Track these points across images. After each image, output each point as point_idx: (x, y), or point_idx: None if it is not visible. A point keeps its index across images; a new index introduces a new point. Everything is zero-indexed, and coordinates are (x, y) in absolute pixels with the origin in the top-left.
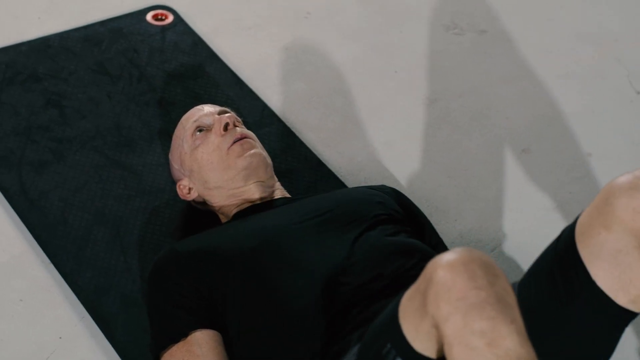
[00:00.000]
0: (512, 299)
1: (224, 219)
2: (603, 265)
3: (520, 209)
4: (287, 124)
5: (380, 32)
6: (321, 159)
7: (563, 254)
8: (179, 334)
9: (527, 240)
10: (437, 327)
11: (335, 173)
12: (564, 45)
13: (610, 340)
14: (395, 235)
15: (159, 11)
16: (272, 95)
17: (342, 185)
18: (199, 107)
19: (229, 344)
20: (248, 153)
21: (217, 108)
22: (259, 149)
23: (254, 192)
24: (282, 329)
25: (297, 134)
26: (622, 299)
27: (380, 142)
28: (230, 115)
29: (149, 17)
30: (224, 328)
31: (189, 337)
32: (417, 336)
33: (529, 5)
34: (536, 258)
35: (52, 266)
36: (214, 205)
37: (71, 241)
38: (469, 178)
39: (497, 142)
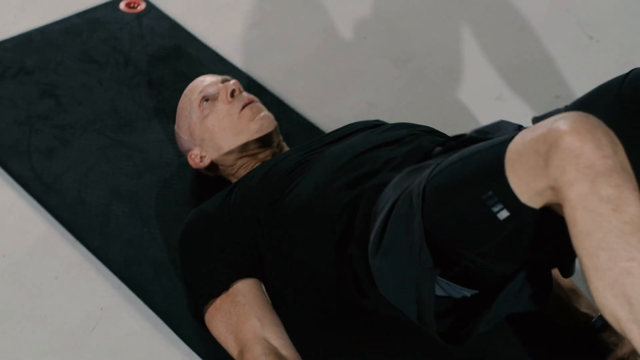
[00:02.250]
0: (630, 168)
1: (235, 180)
2: None
3: None
4: (274, 93)
5: (343, 2)
6: (313, 122)
7: (629, 104)
8: (221, 288)
9: None
10: (555, 189)
11: None
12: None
13: None
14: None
15: None
16: (253, 68)
17: None
18: (201, 78)
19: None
20: (259, 116)
21: (219, 77)
22: (267, 112)
23: (267, 153)
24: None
25: (285, 101)
26: None
27: (364, 102)
28: (235, 82)
29: (122, 5)
30: (263, 273)
31: (231, 289)
32: (526, 191)
33: None
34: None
35: (78, 244)
36: (229, 167)
37: (93, 218)
38: (453, 130)
39: (472, 93)
